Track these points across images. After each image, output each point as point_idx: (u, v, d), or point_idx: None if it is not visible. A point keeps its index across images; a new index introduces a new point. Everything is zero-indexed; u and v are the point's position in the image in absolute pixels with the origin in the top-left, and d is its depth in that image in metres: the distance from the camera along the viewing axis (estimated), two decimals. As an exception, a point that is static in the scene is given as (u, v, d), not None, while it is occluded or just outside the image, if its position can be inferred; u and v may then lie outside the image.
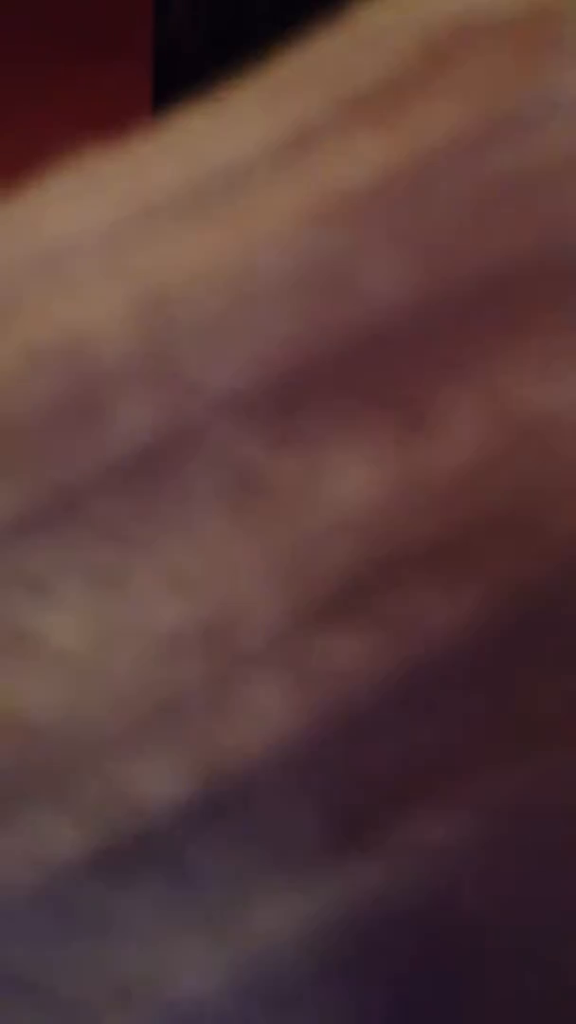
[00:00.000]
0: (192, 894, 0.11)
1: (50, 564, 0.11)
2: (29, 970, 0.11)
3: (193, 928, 0.11)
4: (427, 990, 0.11)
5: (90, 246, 0.12)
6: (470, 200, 0.12)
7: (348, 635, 0.11)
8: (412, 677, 0.11)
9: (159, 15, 1.69)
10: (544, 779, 0.10)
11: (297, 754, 0.10)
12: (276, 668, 0.11)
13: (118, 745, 0.11)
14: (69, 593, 0.11)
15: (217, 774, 0.10)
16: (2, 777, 0.10)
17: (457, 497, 0.11)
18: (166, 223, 0.12)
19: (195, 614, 0.11)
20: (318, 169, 0.12)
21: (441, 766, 0.10)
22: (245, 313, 0.12)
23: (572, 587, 0.10)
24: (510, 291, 0.11)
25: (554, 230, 0.11)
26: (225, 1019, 0.11)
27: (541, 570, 0.10)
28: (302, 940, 0.10)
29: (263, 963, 0.10)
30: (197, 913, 0.11)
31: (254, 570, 0.11)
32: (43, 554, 0.11)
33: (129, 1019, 0.11)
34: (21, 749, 0.11)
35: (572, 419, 0.11)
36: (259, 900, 0.10)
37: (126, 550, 0.11)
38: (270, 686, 0.11)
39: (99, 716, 0.11)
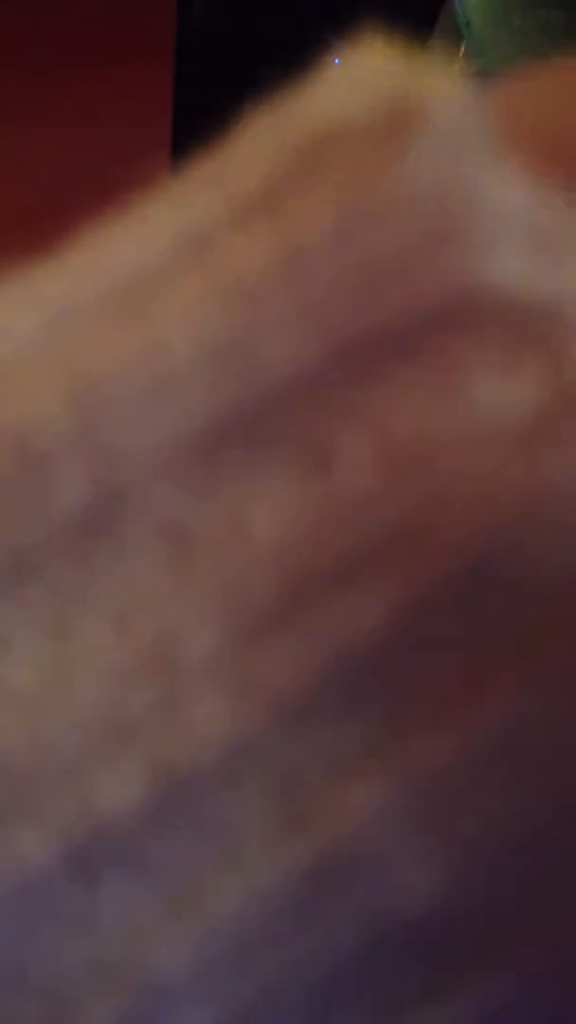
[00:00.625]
0: (155, 883, 0.12)
1: (7, 621, 0.13)
2: (12, 965, 0.12)
3: (159, 913, 0.12)
4: (361, 953, 0.12)
5: (26, 345, 0.14)
6: (348, 275, 0.13)
7: (277, 647, 0.12)
8: (336, 675, 0.12)
9: (181, 16, 1.69)
10: (457, 751, 0.12)
11: (239, 753, 0.12)
12: (216, 682, 0.12)
13: (78, 763, 0.12)
14: (25, 644, 0.13)
15: (169, 777, 0.12)
16: None
17: (357, 518, 0.13)
18: (90, 320, 0.14)
19: (139, 648, 0.13)
20: (217, 261, 0.14)
21: (367, 749, 0.12)
22: (163, 387, 0.13)
23: (463, 584, 0.12)
24: (390, 343, 0.13)
25: (422, 293, 0.13)
26: (194, 986, 0.12)
27: (435, 570, 0.12)
28: (251, 912, 0.12)
29: (220, 935, 0.12)
30: (160, 899, 0.12)
31: (188, 605, 0.13)
32: (3, 616, 0.13)
33: (111, 1000, 0.12)
34: None
35: (447, 439, 0.13)
36: (213, 881, 0.12)
37: (74, 603, 0.13)
38: (212, 698, 0.12)
39: (58, 741, 0.12)
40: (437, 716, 0.12)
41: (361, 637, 0.12)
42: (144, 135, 1.93)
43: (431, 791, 0.12)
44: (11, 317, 0.15)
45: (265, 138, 0.15)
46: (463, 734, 0.12)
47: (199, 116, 1.95)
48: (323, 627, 0.12)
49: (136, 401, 0.13)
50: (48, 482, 0.13)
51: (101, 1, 1.86)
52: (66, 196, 1.98)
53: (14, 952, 0.12)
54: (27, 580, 0.13)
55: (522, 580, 0.12)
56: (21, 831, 0.12)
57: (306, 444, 0.13)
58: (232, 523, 0.13)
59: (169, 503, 0.13)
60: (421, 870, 0.12)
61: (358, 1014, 0.13)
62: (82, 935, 0.12)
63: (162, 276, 0.14)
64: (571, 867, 0.13)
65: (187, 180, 0.16)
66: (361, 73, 0.15)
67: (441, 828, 0.12)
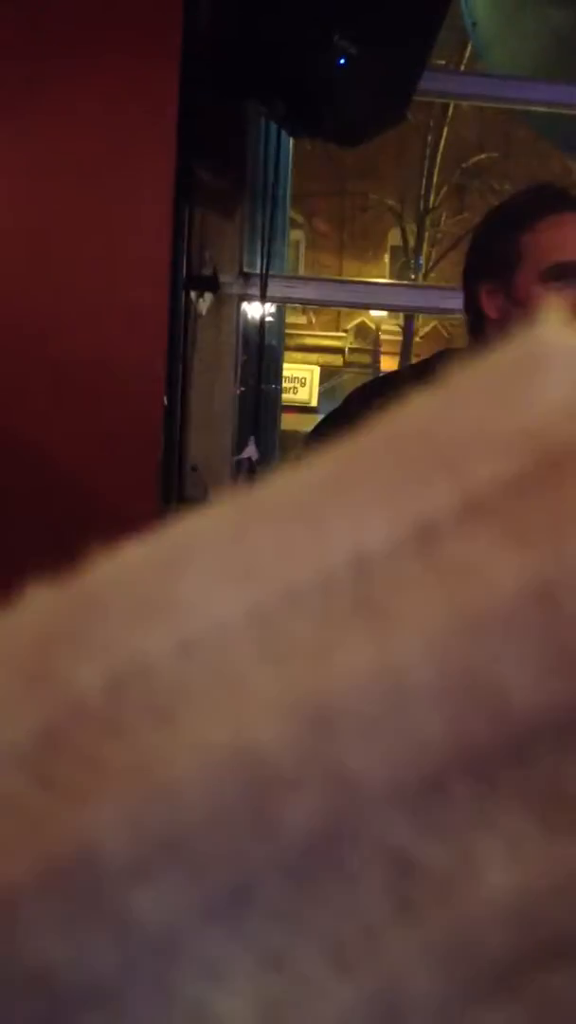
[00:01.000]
0: None
1: (225, 950, 0.13)
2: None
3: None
4: None
5: (239, 631, 0.14)
6: None
7: (502, 1010, 0.12)
8: None
9: (188, 14, 1.68)
10: None
11: None
12: None
13: None
14: (240, 977, 0.12)
15: None
16: None
17: None
18: (308, 611, 0.14)
19: (359, 991, 0.12)
20: (448, 562, 0.13)
21: None
22: (399, 713, 0.13)
23: None
24: None
25: None
26: None
27: None
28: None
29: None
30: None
31: (413, 947, 0.12)
32: (219, 941, 0.13)
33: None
34: None
35: None
36: None
37: (293, 932, 0.13)
38: None
39: None
40: None
41: None
42: (148, 134, 1.92)
43: None
44: (207, 588, 0.14)
45: (498, 423, 0.14)
46: None
47: (204, 116, 1.94)
48: (554, 998, 0.12)
49: (370, 725, 0.13)
50: (274, 803, 0.13)
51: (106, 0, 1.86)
52: (66, 195, 1.96)
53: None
54: (244, 903, 0.13)
55: None
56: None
57: (548, 791, 0.12)
58: (463, 862, 0.12)
59: (397, 833, 0.12)
60: None
61: None
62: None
63: (389, 570, 0.14)
64: None
65: (412, 448, 0.15)
66: None
67: None
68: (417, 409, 0.15)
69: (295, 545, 0.14)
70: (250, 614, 0.14)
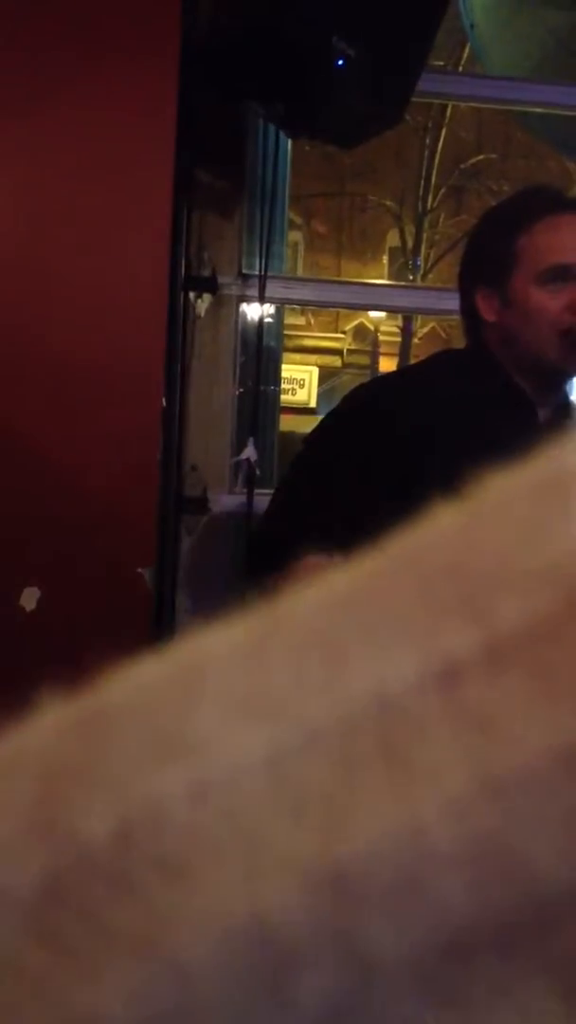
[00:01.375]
0: None
1: None
2: None
3: None
4: None
5: (256, 776, 0.13)
6: None
7: None
8: None
9: (187, 15, 1.68)
10: None
11: None
12: None
13: None
14: None
15: None
16: None
17: None
18: (328, 755, 0.13)
19: None
20: (474, 723, 0.13)
21: None
22: (419, 880, 0.12)
23: None
24: None
25: None
26: None
27: None
28: None
29: None
30: None
31: None
32: None
33: None
34: None
35: None
36: None
37: None
38: None
39: None
40: None
41: None
42: (146, 136, 1.93)
43: None
44: (223, 725, 0.14)
45: (524, 558, 0.14)
46: None
47: (203, 117, 1.94)
48: None
49: (388, 893, 0.12)
50: (289, 981, 0.12)
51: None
52: (65, 196, 1.97)
53: None
54: None
55: None
56: None
57: (571, 962, 0.12)
58: None
59: (415, 1007, 0.12)
60: None
61: None
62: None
63: (411, 715, 0.13)
64: None
65: (436, 580, 0.14)
66: None
67: None
68: (443, 534, 0.15)
69: (314, 679, 0.14)
70: (268, 758, 0.13)
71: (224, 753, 0.13)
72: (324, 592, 0.15)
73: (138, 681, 0.15)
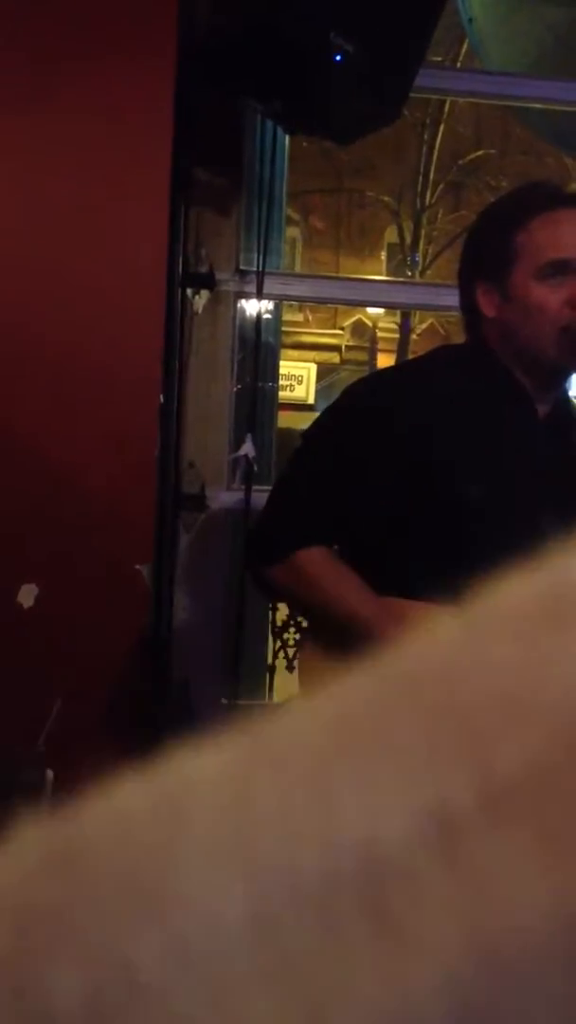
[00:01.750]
0: None
1: None
2: None
3: None
4: None
5: (237, 938, 0.13)
6: None
7: None
8: None
9: (184, 12, 1.68)
10: None
11: None
12: None
13: None
14: None
15: None
16: None
17: None
18: (313, 915, 0.13)
19: None
20: (470, 882, 0.12)
21: None
22: None
23: None
24: None
25: None
26: None
27: None
28: None
29: None
30: None
31: None
32: None
33: None
34: None
35: None
36: None
37: None
38: None
39: None
40: None
41: None
42: (144, 132, 1.92)
43: None
44: (204, 877, 0.13)
45: (523, 693, 0.13)
46: None
47: (200, 113, 1.94)
48: None
49: None
50: None
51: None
52: (62, 193, 1.97)
53: None
54: None
55: None
56: None
57: None
58: None
59: None
60: None
61: None
62: None
63: (403, 871, 0.12)
64: None
65: (431, 714, 0.14)
66: None
67: None
68: (442, 658, 0.14)
69: (301, 821, 0.13)
70: (250, 916, 0.13)
71: (204, 909, 0.13)
72: (316, 719, 0.14)
73: (119, 812, 0.14)
